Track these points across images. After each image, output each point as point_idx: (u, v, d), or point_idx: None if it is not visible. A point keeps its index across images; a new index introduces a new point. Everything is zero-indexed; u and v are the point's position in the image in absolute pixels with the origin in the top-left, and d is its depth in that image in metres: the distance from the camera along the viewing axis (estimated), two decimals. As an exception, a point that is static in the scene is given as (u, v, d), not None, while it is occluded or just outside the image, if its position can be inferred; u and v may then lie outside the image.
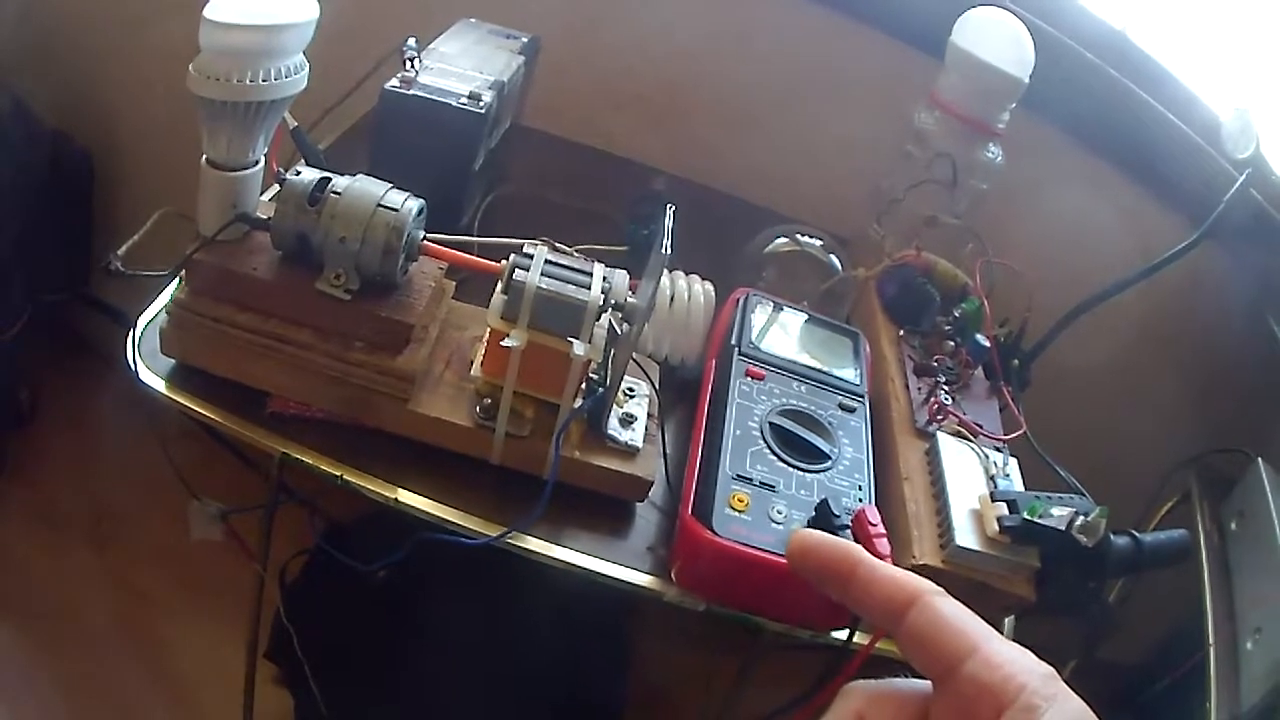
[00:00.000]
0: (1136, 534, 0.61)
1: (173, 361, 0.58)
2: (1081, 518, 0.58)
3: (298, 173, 0.56)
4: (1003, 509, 0.58)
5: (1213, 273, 0.92)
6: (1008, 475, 0.63)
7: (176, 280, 0.57)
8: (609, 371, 0.56)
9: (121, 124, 1.13)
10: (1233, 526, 0.85)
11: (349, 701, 0.83)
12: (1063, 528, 0.57)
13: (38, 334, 1.08)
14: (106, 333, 1.22)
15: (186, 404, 0.58)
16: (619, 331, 0.54)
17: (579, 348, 0.51)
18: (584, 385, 0.55)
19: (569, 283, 0.52)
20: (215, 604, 0.97)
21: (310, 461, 0.56)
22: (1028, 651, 0.25)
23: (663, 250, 0.50)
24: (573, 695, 0.83)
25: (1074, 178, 0.93)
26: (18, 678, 0.98)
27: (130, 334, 0.59)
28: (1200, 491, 0.88)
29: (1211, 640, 0.77)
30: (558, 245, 0.57)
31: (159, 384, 0.58)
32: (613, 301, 0.53)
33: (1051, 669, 0.24)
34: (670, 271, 0.66)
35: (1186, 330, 0.98)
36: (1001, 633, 0.66)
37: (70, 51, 1.09)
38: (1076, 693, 0.24)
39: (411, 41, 0.66)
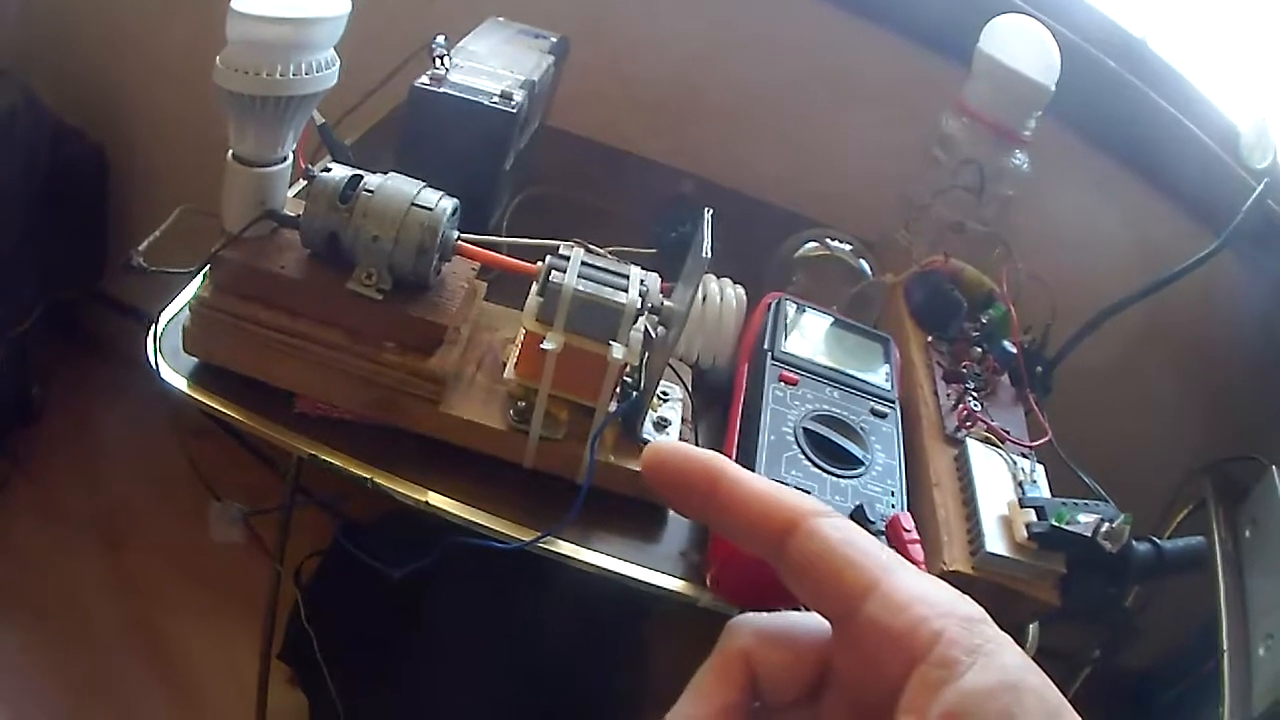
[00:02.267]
0: (1157, 541, 0.61)
1: (194, 360, 0.58)
2: (1106, 524, 0.58)
3: (327, 170, 0.55)
4: (1031, 515, 0.58)
5: (1228, 280, 0.93)
6: (1035, 481, 0.62)
7: (200, 277, 0.57)
8: (644, 375, 0.56)
9: (136, 119, 1.11)
10: (1247, 533, 0.85)
11: (364, 703, 0.83)
12: (1088, 534, 0.57)
13: (49, 331, 1.07)
14: (119, 330, 1.20)
15: (210, 403, 0.57)
16: (654, 335, 0.54)
17: (618, 351, 0.50)
18: (618, 389, 0.54)
19: (606, 285, 0.52)
20: (227, 604, 0.97)
21: (339, 464, 0.55)
22: (946, 585, 0.20)
23: (703, 254, 0.50)
24: (590, 700, 0.83)
25: (1092, 184, 0.93)
26: (25, 678, 0.97)
27: (151, 331, 0.58)
28: (1215, 498, 0.88)
29: (1225, 646, 0.77)
30: (591, 247, 0.56)
31: (181, 382, 0.57)
32: (649, 305, 0.53)
33: (979, 610, 0.19)
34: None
35: (1201, 337, 0.98)
36: (1025, 640, 0.65)
37: (83, 45, 1.07)
38: (1056, 675, 0.19)
39: (440, 39, 0.65)
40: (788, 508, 0.21)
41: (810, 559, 0.20)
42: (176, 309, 0.60)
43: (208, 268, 0.56)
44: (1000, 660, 0.18)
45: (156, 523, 1.09)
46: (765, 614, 0.22)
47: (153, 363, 0.57)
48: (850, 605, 0.20)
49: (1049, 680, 0.18)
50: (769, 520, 0.21)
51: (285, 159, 0.56)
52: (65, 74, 1.06)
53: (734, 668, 0.21)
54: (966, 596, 0.20)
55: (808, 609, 0.21)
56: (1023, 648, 0.62)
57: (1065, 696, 0.18)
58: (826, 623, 0.21)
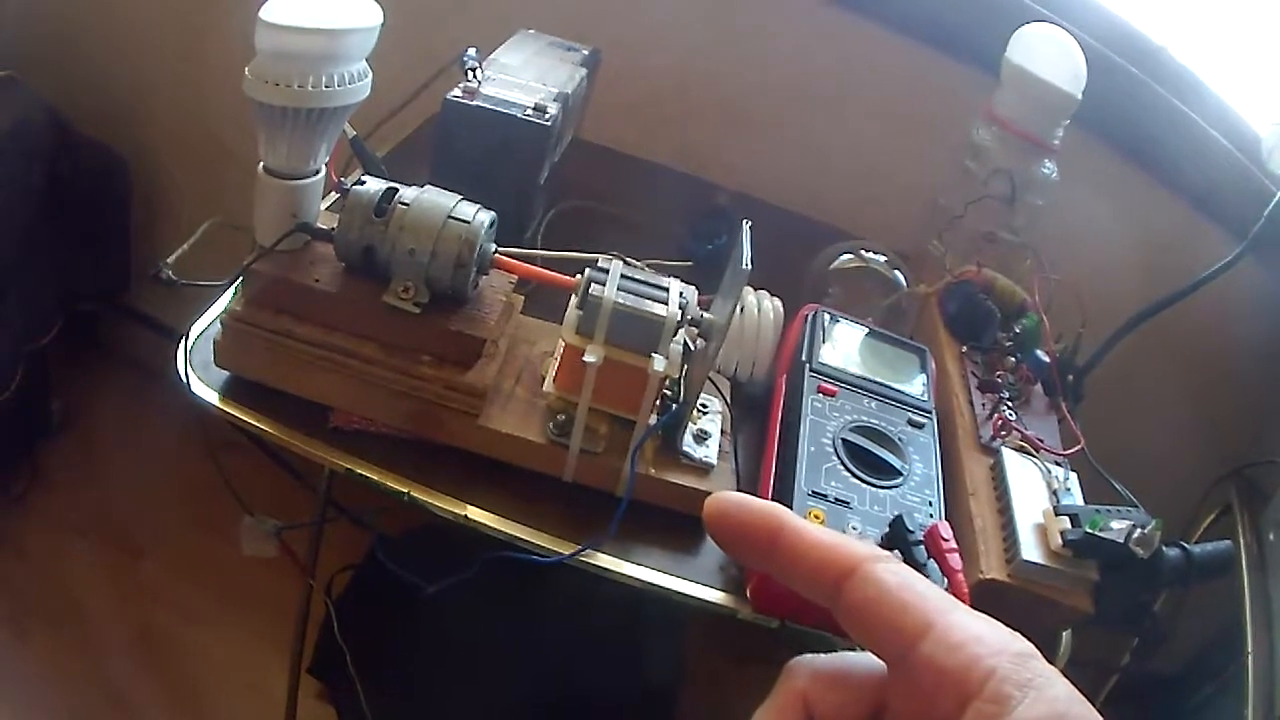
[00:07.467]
0: (1186, 546, 0.61)
1: (225, 374, 0.57)
2: (1138, 530, 0.58)
3: (361, 183, 0.55)
4: (1065, 523, 0.58)
5: (1250, 286, 0.92)
6: (1069, 489, 0.63)
7: (231, 291, 0.56)
8: (683, 388, 0.55)
9: (158, 130, 1.11)
10: (1271, 537, 0.85)
11: (396, 717, 0.82)
12: (1121, 540, 0.57)
13: (71, 343, 1.07)
14: (140, 342, 1.20)
15: (242, 418, 0.56)
16: (694, 347, 0.54)
17: (658, 363, 0.50)
18: (658, 401, 0.54)
19: (645, 298, 0.52)
20: (252, 618, 0.96)
21: (376, 478, 0.55)
22: (999, 625, 0.21)
23: (743, 266, 0.50)
24: (625, 716, 0.82)
25: (1113, 190, 0.93)
26: (40, 689, 0.97)
27: (181, 345, 0.58)
28: (1240, 503, 0.88)
29: (1250, 649, 0.77)
30: (629, 260, 0.56)
31: (213, 397, 0.57)
32: (689, 317, 0.53)
33: (1030, 646, 0.20)
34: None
35: (1223, 343, 0.98)
36: (1059, 648, 0.64)
37: (101, 56, 1.07)
38: (1089, 690, 0.20)
39: (472, 51, 0.65)
40: (846, 554, 0.22)
41: (868, 602, 0.21)
42: (207, 322, 0.60)
43: (239, 281, 0.55)
44: (1050, 693, 0.19)
45: (176, 535, 1.09)
46: (822, 655, 0.23)
47: (184, 377, 0.57)
48: (907, 646, 0.20)
49: (1094, 710, 0.19)
50: (828, 568, 0.22)
51: (317, 171, 0.56)
52: (85, 85, 1.06)
53: (792, 708, 0.22)
54: (1018, 634, 0.20)
55: (863, 649, 0.22)
56: (1056, 655, 0.61)
57: (1096, 703, 0.20)
58: (881, 663, 0.22)
